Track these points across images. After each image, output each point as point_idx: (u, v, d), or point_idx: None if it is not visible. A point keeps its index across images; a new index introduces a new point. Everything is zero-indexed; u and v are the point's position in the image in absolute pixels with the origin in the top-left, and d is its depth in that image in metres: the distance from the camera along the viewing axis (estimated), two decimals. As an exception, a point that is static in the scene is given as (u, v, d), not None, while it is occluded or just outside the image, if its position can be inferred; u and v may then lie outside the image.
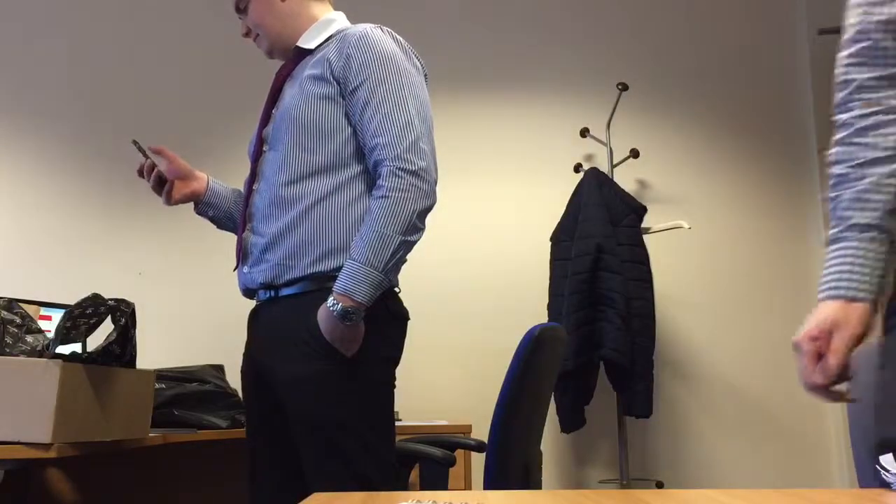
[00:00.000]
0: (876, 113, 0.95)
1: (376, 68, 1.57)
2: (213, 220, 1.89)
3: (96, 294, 1.61)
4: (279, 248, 1.57)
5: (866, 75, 0.96)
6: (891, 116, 0.95)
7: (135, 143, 1.75)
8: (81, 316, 1.59)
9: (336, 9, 1.80)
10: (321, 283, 1.54)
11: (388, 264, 1.47)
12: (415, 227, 1.51)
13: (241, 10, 1.76)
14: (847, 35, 0.99)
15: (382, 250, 1.47)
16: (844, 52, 0.99)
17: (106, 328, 1.63)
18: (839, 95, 1.00)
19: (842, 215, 0.94)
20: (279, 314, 1.59)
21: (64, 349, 1.57)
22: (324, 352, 1.48)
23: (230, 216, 1.88)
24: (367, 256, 1.46)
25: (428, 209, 1.54)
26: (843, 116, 0.99)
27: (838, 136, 0.99)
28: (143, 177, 1.79)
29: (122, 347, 1.64)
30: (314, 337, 1.48)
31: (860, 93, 0.97)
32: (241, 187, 1.90)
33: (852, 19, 0.98)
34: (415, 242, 1.53)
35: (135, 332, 1.67)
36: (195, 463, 2.53)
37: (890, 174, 0.93)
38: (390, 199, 1.49)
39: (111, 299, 1.63)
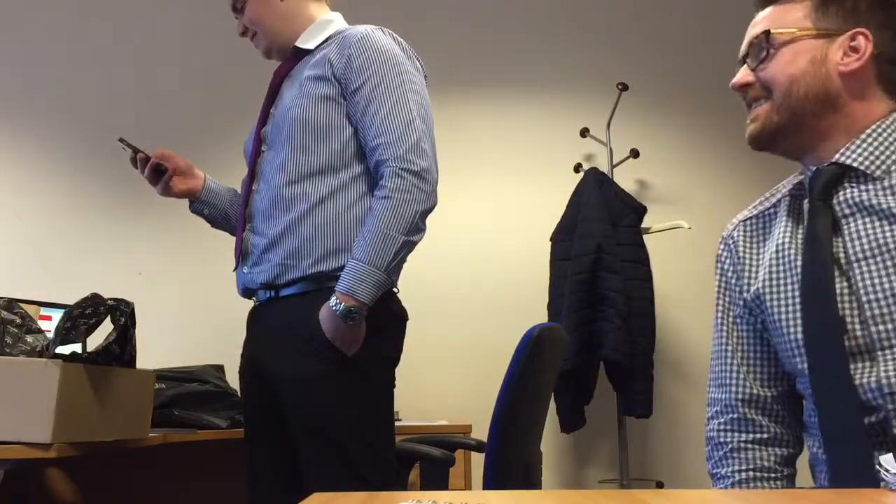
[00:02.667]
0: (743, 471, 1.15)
1: (378, 69, 1.57)
2: (208, 218, 1.88)
3: (95, 294, 1.61)
4: (280, 248, 1.57)
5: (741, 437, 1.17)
6: (761, 474, 1.15)
7: (121, 140, 1.74)
8: (81, 316, 1.59)
9: (334, 9, 1.80)
10: (322, 283, 1.54)
11: (390, 264, 1.47)
12: (417, 227, 1.51)
13: (237, 9, 1.75)
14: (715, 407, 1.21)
15: (385, 250, 1.47)
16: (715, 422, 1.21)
17: (106, 328, 1.63)
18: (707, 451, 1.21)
19: None
20: (280, 314, 1.59)
21: (64, 349, 1.57)
22: (324, 351, 1.48)
23: (226, 215, 1.87)
24: (370, 256, 1.46)
25: (429, 210, 1.54)
26: (721, 471, 1.18)
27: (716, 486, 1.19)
28: (137, 167, 1.79)
29: (122, 347, 1.64)
30: (315, 337, 1.48)
31: (734, 454, 1.17)
32: (236, 186, 1.90)
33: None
34: (416, 243, 1.53)
35: (134, 332, 1.67)
36: (195, 463, 2.53)
37: None
38: (393, 199, 1.49)
39: (110, 299, 1.63)
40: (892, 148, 1.05)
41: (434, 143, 1.60)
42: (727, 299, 1.23)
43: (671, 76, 3.54)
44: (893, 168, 1.03)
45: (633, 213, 3.09)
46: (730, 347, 1.20)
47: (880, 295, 0.99)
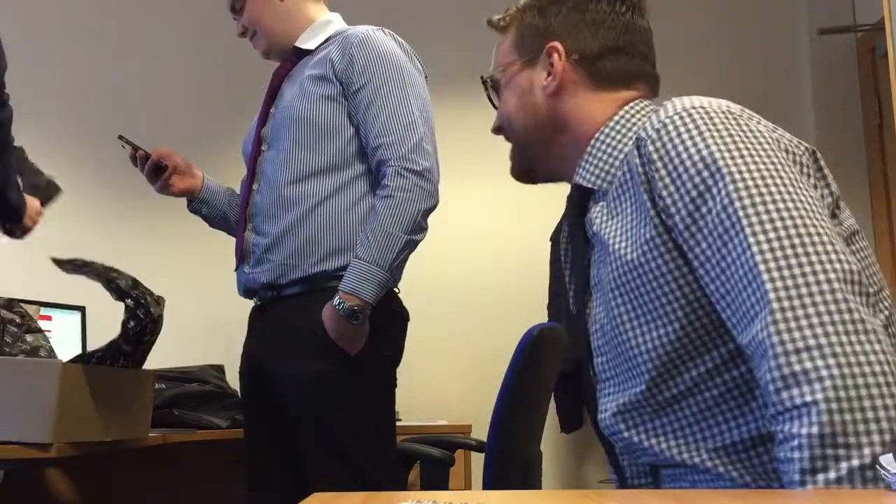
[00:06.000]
0: None
1: (379, 70, 1.57)
2: (206, 217, 1.88)
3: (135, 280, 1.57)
4: (282, 248, 1.57)
5: None
6: None
7: (121, 138, 1.75)
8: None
9: (334, 9, 1.81)
10: (324, 283, 1.54)
11: (393, 263, 1.48)
12: (419, 226, 1.52)
13: (236, 10, 1.76)
14: None
15: (388, 250, 1.47)
16: None
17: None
18: None
19: None
20: (282, 314, 1.59)
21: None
22: (326, 351, 1.49)
23: (224, 215, 1.87)
24: (374, 256, 1.46)
25: (431, 209, 1.55)
26: None
27: None
28: (136, 165, 1.79)
29: (134, 346, 1.63)
30: (317, 336, 1.48)
31: None
32: (235, 187, 1.90)
33: None
34: (419, 242, 1.54)
35: (152, 336, 1.65)
36: (195, 463, 2.52)
37: None
38: (395, 198, 1.49)
39: (142, 294, 1.59)
40: (613, 154, 0.96)
41: (435, 144, 1.61)
42: None
43: (670, 76, 3.53)
44: (612, 177, 0.95)
45: (633, 213, 3.08)
46: None
47: (598, 326, 0.94)
